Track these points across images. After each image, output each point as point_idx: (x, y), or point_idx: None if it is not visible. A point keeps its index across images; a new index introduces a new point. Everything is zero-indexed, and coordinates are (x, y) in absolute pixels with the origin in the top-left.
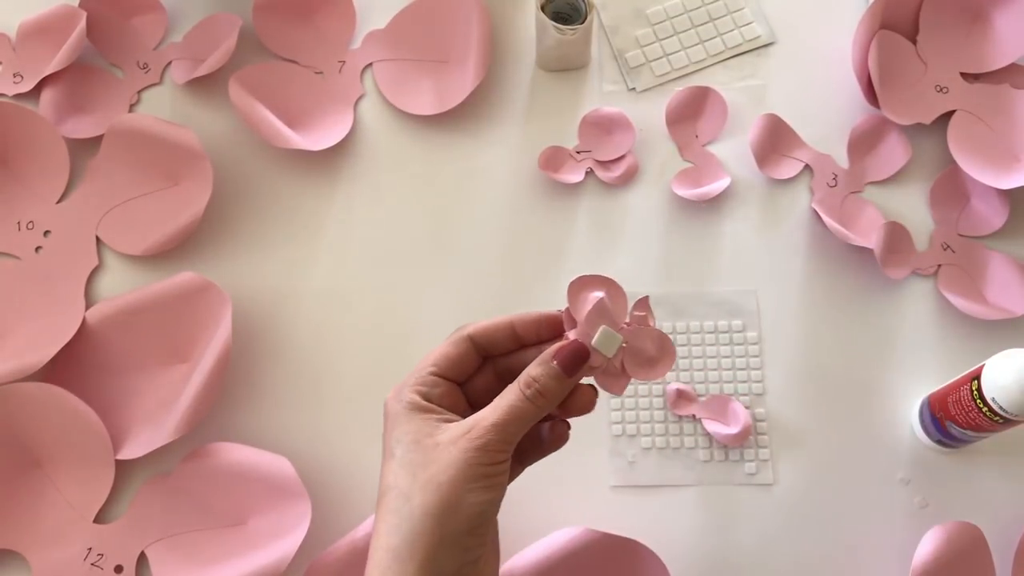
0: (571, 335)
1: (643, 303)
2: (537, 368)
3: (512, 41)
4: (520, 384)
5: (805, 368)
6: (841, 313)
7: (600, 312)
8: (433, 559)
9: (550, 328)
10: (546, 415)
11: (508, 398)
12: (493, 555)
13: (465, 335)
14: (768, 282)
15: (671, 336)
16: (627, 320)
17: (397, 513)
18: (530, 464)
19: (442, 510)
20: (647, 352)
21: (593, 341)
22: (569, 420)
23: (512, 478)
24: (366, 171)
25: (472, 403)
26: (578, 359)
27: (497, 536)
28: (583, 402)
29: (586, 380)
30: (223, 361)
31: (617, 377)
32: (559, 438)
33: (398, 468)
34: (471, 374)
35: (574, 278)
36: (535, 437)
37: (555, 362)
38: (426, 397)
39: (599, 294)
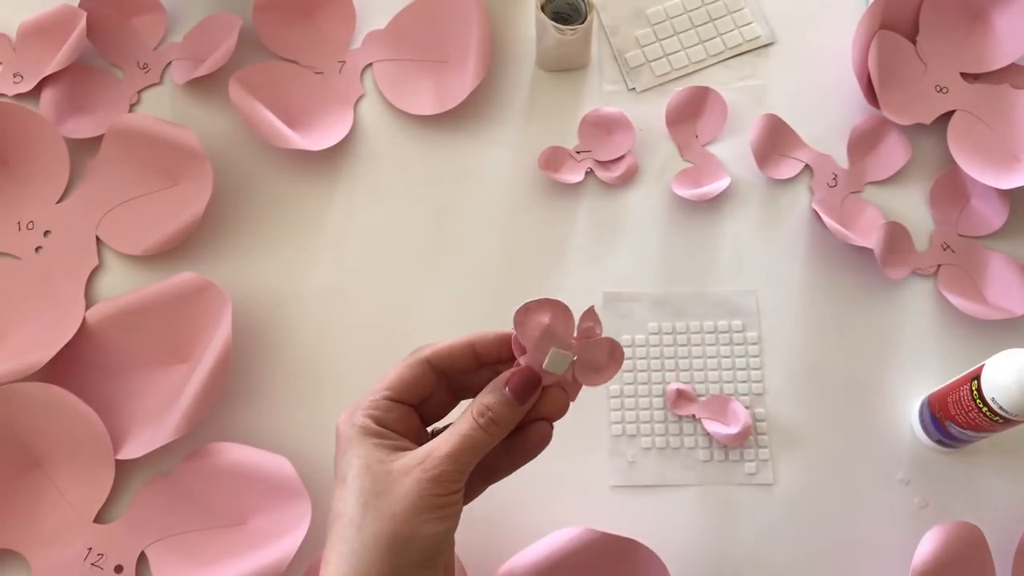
0: (522, 361)
1: (589, 314)
2: (489, 396)
3: (512, 41)
4: (473, 413)
5: (805, 368)
6: (841, 313)
7: (547, 337)
8: None
9: (510, 348)
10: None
11: (461, 427)
12: None
13: (422, 357)
14: (768, 282)
15: (671, 335)
16: (575, 335)
17: (348, 542)
18: (497, 480)
19: (394, 542)
20: (597, 361)
21: (544, 364)
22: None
23: (474, 496)
24: (366, 171)
25: (427, 421)
26: (530, 386)
27: (453, 562)
28: (556, 407)
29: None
30: (223, 361)
31: (569, 386)
32: (542, 439)
33: (348, 495)
34: (427, 396)
35: (519, 306)
36: (499, 452)
37: (507, 389)
38: (379, 421)
39: (544, 319)
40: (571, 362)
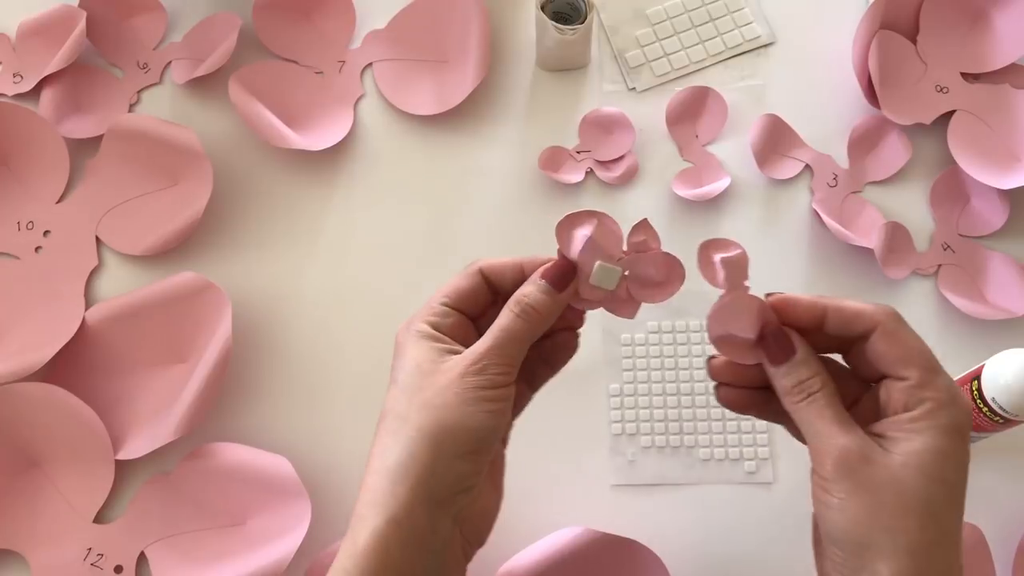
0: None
1: (641, 227)
2: (526, 286)
3: (512, 41)
4: (510, 303)
5: None
6: None
7: (591, 250)
8: (425, 482)
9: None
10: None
11: (500, 321)
12: (493, 491)
13: (476, 268)
14: (768, 282)
15: (671, 334)
16: (624, 249)
17: (393, 435)
18: (541, 385)
19: (437, 431)
20: (652, 277)
21: (590, 279)
22: (561, 371)
23: (522, 405)
24: (366, 171)
25: None
26: (564, 274)
27: (501, 473)
28: (568, 347)
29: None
30: (223, 361)
31: (625, 303)
32: (567, 347)
33: (399, 393)
34: (483, 309)
35: (561, 218)
36: (536, 359)
37: (542, 279)
38: (436, 327)
39: (586, 231)
40: (622, 277)
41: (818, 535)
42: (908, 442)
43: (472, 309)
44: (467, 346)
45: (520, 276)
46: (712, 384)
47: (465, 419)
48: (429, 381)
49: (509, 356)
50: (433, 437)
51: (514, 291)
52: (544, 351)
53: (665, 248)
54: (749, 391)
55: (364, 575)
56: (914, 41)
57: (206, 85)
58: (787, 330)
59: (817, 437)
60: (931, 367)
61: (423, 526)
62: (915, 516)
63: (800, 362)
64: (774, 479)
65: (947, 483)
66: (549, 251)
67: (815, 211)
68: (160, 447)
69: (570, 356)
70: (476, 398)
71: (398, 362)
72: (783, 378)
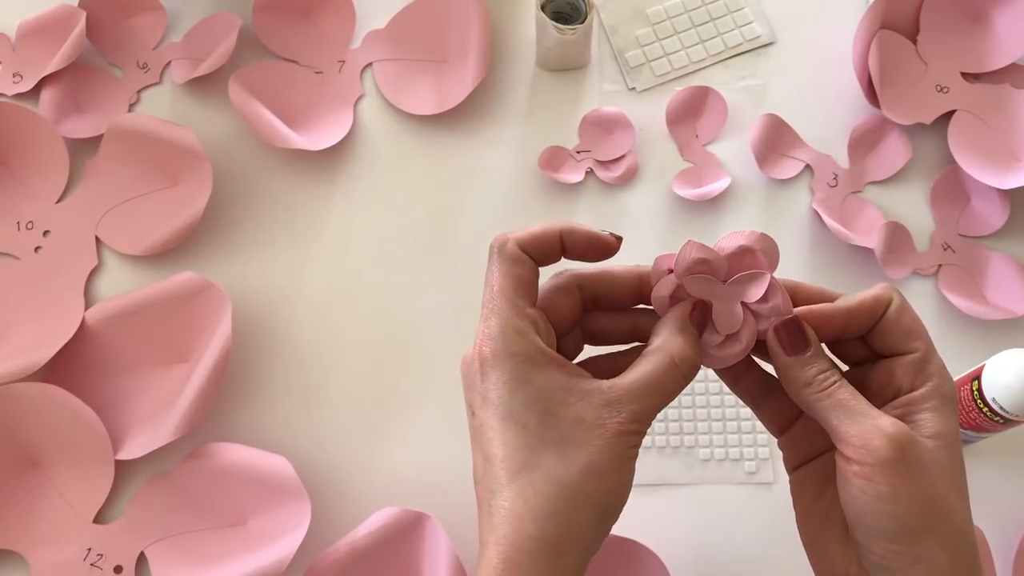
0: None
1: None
2: (689, 343)
3: (512, 41)
4: (674, 356)
5: None
6: None
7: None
8: (589, 551)
9: (598, 252)
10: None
11: (660, 377)
12: None
13: (518, 251)
14: None
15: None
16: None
17: (550, 499)
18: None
19: (604, 500)
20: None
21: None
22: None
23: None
24: (366, 171)
25: None
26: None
27: None
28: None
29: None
30: (223, 361)
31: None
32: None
33: (537, 445)
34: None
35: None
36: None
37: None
38: (544, 339)
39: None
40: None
41: (814, 529)
42: (931, 422)
43: (537, 298)
44: (551, 345)
45: (559, 248)
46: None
47: (624, 480)
48: (574, 430)
49: (656, 412)
50: (600, 506)
51: (550, 263)
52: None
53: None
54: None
55: None
56: (914, 41)
57: (206, 85)
58: (803, 322)
59: (852, 423)
60: (930, 340)
61: None
62: (956, 496)
63: (818, 353)
64: (774, 479)
65: (962, 460)
66: None
67: (815, 211)
68: (160, 447)
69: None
70: (629, 457)
71: (513, 396)
72: (800, 370)
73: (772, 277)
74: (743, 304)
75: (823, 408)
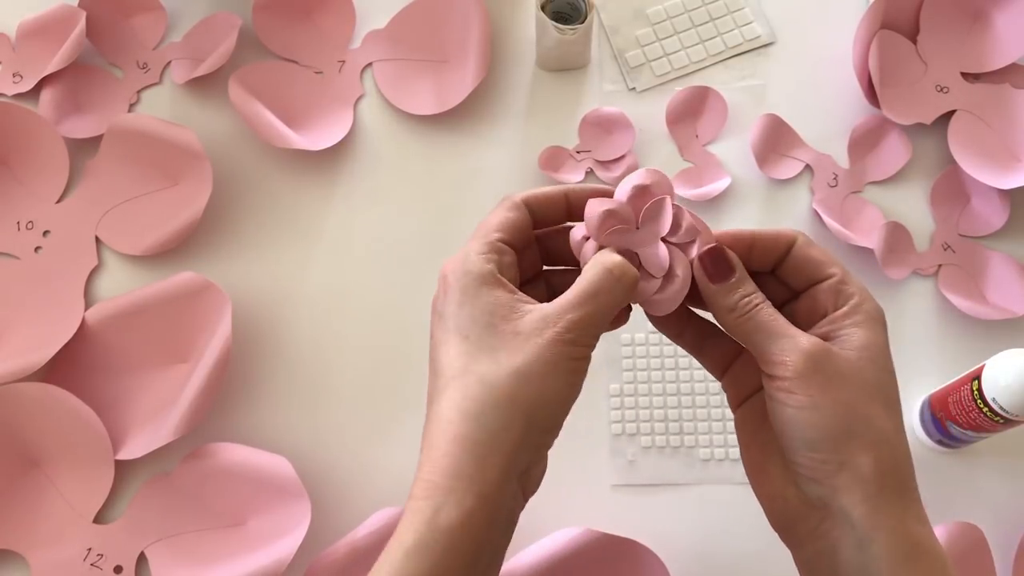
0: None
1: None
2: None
3: (512, 41)
4: (608, 265)
5: None
6: None
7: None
8: (513, 455)
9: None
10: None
11: (596, 282)
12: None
13: (519, 200)
14: None
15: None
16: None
17: (478, 401)
18: None
19: (532, 405)
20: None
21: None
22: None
23: None
24: (366, 171)
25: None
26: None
27: None
28: (620, 318)
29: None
30: (223, 361)
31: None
32: (619, 318)
33: (476, 351)
34: (527, 245)
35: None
36: None
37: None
38: (498, 267)
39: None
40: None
41: (756, 456)
42: (853, 337)
43: (520, 243)
44: (517, 285)
45: (563, 207)
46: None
47: (558, 391)
48: (511, 341)
49: (600, 324)
50: (526, 410)
51: (553, 223)
52: None
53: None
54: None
55: (448, 553)
56: (914, 41)
57: (206, 85)
58: (726, 248)
59: (772, 342)
60: (844, 267)
61: (506, 500)
62: (881, 404)
63: (741, 278)
64: None
65: (892, 373)
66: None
67: (815, 211)
68: (160, 447)
69: (618, 327)
70: (568, 368)
71: (460, 309)
72: (725, 296)
73: (673, 203)
74: (665, 242)
75: (747, 331)
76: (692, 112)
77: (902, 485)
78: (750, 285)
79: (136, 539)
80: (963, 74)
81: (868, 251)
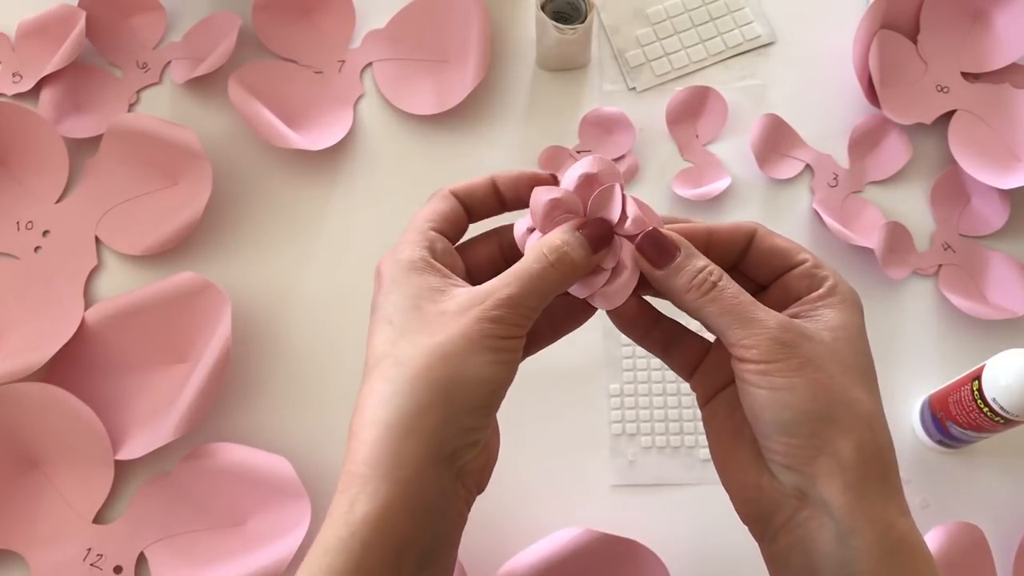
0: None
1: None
2: (564, 234)
3: (512, 41)
4: (543, 247)
5: None
6: None
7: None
8: (435, 439)
9: (530, 191)
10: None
11: (527, 265)
12: (494, 442)
13: (447, 191)
14: None
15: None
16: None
17: (392, 382)
18: (540, 349)
19: (448, 382)
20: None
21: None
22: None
23: (523, 358)
24: (366, 171)
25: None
26: (604, 236)
27: (497, 425)
28: (582, 313)
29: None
30: (223, 361)
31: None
32: (580, 313)
33: (396, 336)
34: (462, 234)
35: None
36: (550, 316)
37: (579, 232)
38: (433, 255)
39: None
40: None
41: (725, 452)
42: (827, 318)
43: (454, 234)
44: (456, 274)
45: (492, 194)
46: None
47: (480, 369)
48: (434, 321)
49: (530, 309)
50: (444, 389)
51: (487, 212)
52: (554, 313)
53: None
54: (637, 302)
55: (366, 547)
56: (914, 41)
57: (206, 85)
58: (664, 229)
59: (740, 324)
60: (813, 253)
61: (430, 488)
62: (860, 387)
63: (689, 255)
64: None
65: (869, 356)
66: None
67: (815, 211)
68: (160, 447)
69: (579, 324)
70: (492, 347)
71: (388, 297)
72: (675, 278)
73: (621, 190)
74: (614, 232)
75: (711, 314)
76: (692, 112)
77: (884, 474)
78: (701, 260)
79: (136, 539)
80: (963, 74)
81: (868, 251)
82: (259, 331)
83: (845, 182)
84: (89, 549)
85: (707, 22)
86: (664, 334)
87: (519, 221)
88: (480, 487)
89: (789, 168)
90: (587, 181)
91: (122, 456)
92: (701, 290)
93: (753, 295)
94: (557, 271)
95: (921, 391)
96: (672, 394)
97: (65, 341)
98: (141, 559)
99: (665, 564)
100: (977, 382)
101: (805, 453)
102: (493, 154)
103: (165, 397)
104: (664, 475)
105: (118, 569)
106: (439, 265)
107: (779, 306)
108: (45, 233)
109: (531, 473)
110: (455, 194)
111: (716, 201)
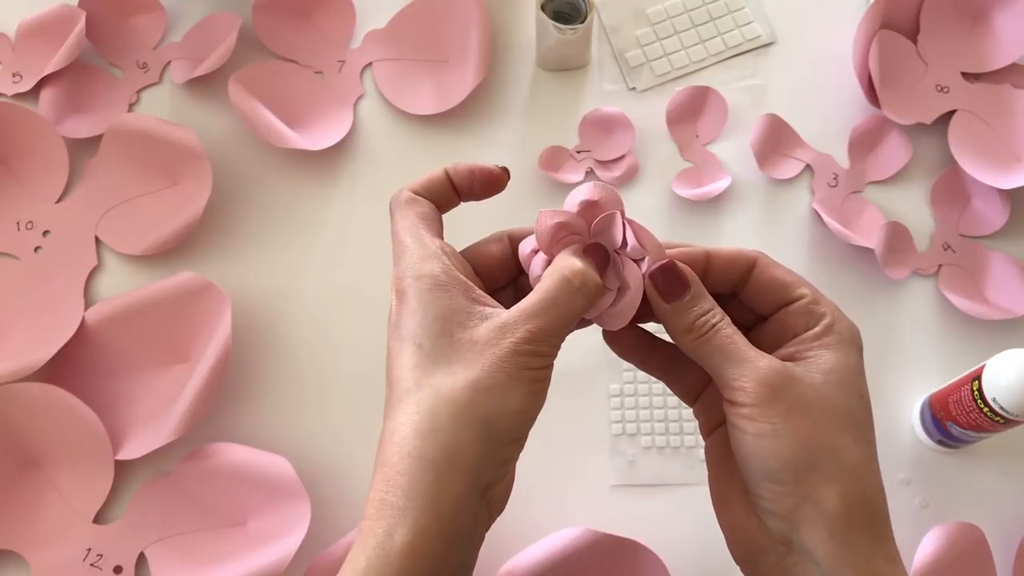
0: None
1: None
2: (579, 258)
3: (512, 41)
4: (567, 272)
5: None
6: None
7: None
8: (474, 473)
9: (484, 184)
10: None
11: (555, 292)
12: (515, 466)
13: (411, 195)
14: None
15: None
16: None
17: (433, 416)
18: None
19: (489, 418)
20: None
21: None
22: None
23: None
24: (366, 171)
25: None
26: (607, 255)
27: None
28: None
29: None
30: (223, 361)
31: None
32: (578, 326)
33: (428, 364)
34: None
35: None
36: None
37: (586, 255)
38: (451, 264)
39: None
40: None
41: (722, 488)
42: (821, 360)
43: (442, 234)
44: (468, 278)
45: (450, 188)
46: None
47: (517, 403)
48: (468, 350)
49: (561, 334)
50: (485, 425)
51: (448, 207)
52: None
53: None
54: (634, 330)
55: (401, 575)
56: (914, 41)
57: (206, 85)
58: (679, 263)
59: (731, 366)
60: (815, 287)
61: (465, 518)
62: (849, 433)
63: (697, 295)
64: None
65: (864, 399)
66: None
67: (815, 211)
68: (160, 447)
69: (581, 327)
70: (528, 379)
71: (413, 316)
72: (680, 315)
73: (622, 216)
74: (617, 254)
75: (705, 354)
76: (692, 112)
77: (871, 521)
78: (707, 302)
79: (136, 539)
80: (963, 74)
81: (868, 251)
82: (259, 331)
83: (845, 182)
84: (89, 549)
85: (707, 22)
86: (664, 360)
87: (524, 241)
88: (501, 509)
89: (789, 168)
90: (588, 207)
91: (122, 456)
92: (699, 332)
93: (754, 326)
94: (583, 296)
95: (921, 391)
96: (672, 394)
97: (65, 341)
98: (141, 559)
99: (665, 564)
100: (977, 382)
101: (790, 500)
102: (493, 154)
103: (165, 397)
104: (664, 475)
105: (118, 569)
106: (462, 278)
107: (776, 342)
108: (45, 233)
109: (531, 473)
110: (419, 193)
111: (716, 201)
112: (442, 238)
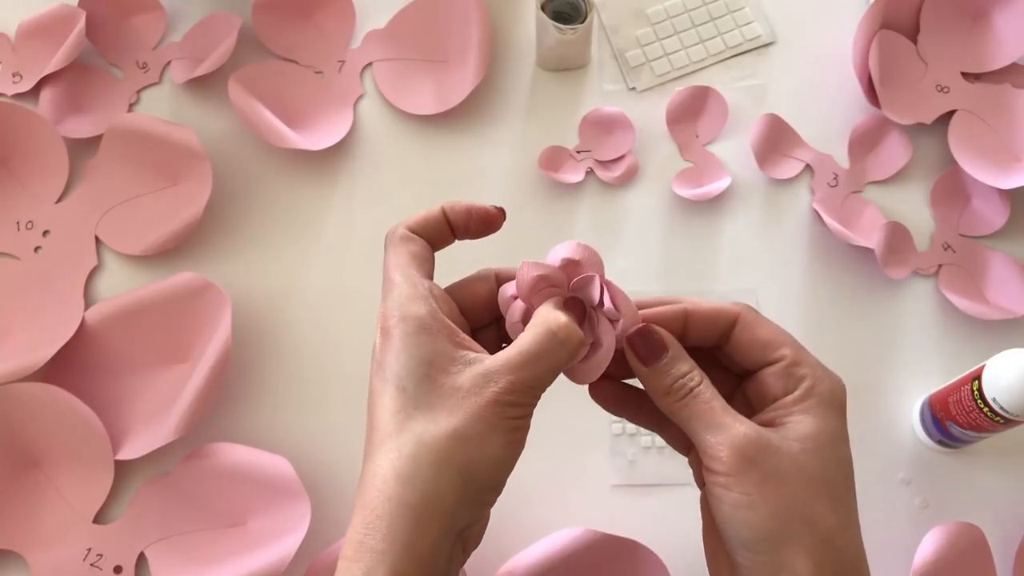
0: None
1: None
2: (561, 311)
3: (512, 41)
4: (552, 325)
5: None
6: (842, 313)
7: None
8: (449, 517)
9: (480, 223)
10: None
11: (539, 343)
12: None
13: (406, 232)
14: (768, 282)
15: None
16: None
17: (414, 461)
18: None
19: (469, 466)
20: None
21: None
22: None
23: None
24: (366, 171)
25: None
26: (583, 311)
27: None
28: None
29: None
30: (223, 361)
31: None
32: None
33: (411, 408)
34: (433, 271)
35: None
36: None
37: (564, 309)
38: (443, 308)
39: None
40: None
41: (713, 542)
42: (800, 425)
43: (432, 273)
44: (454, 320)
45: (446, 225)
46: None
47: (496, 451)
48: (449, 397)
49: (543, 385)
50: (464, 472)
51: (443, 244)
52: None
53: (665, 249)
54: (618, 386)
55: None
56: (914, 41)
57: (206, 85)
58: (655, 327)
59: (709, 431)
60: (798, 346)
61: (442, 561)
62: (824, 501)
63: (675, 358)
64: None
65: (842, 462)
66: (543, 255)
67: (815, 211)
68: (160, 447)
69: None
70: (507, 428)
71: (398, 357)
72: (658, 378)
73: (601, 278)
74: (594, 310)
75: (684, 418)
76: (692, 112)
77: None
78: (685, 364)
79: (136, 539)
80: (963, 74)
81: (868, 251)
82: (259, 331)
83: (845, 182)
84: (89, 549)
85: (707, 22)
86: (652, 414)
87: (505, 286)
88: (475, 546)
89: (789, 168)
90: (570, 265)
91: (122, 456)
92: (678, 395)
93: (738, 383)
94: (566, 350)
95: (921, 391)
96: None
97: (65, 341)
98: (141, 559)
99: (665, 564)
100: (977, 382)
101: (766, 569)
102: (493, 154)
103: (165, 397)
104: (664, 475)
105: (118, 569)
106: (447, 321)
107: (759, 401)
108: (45, 233)
109: (531, 473)
110: (415, 231)
111: (716, 201)
112: (432, 278)
